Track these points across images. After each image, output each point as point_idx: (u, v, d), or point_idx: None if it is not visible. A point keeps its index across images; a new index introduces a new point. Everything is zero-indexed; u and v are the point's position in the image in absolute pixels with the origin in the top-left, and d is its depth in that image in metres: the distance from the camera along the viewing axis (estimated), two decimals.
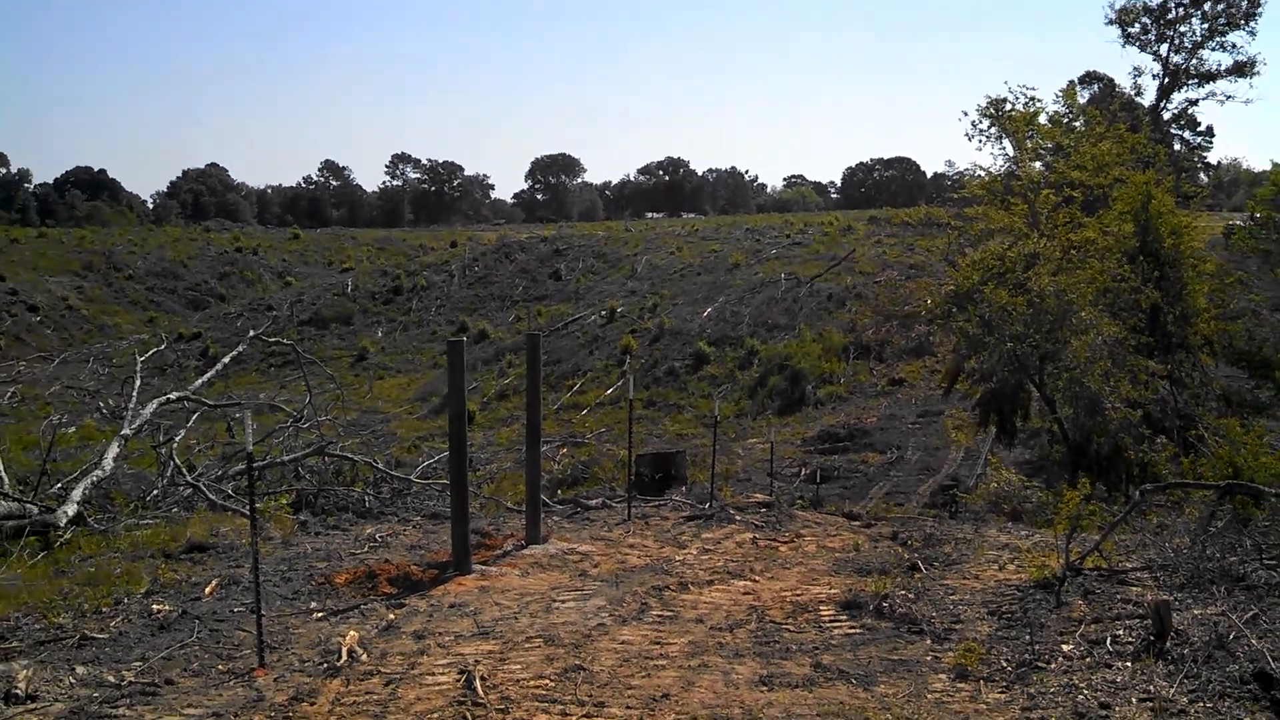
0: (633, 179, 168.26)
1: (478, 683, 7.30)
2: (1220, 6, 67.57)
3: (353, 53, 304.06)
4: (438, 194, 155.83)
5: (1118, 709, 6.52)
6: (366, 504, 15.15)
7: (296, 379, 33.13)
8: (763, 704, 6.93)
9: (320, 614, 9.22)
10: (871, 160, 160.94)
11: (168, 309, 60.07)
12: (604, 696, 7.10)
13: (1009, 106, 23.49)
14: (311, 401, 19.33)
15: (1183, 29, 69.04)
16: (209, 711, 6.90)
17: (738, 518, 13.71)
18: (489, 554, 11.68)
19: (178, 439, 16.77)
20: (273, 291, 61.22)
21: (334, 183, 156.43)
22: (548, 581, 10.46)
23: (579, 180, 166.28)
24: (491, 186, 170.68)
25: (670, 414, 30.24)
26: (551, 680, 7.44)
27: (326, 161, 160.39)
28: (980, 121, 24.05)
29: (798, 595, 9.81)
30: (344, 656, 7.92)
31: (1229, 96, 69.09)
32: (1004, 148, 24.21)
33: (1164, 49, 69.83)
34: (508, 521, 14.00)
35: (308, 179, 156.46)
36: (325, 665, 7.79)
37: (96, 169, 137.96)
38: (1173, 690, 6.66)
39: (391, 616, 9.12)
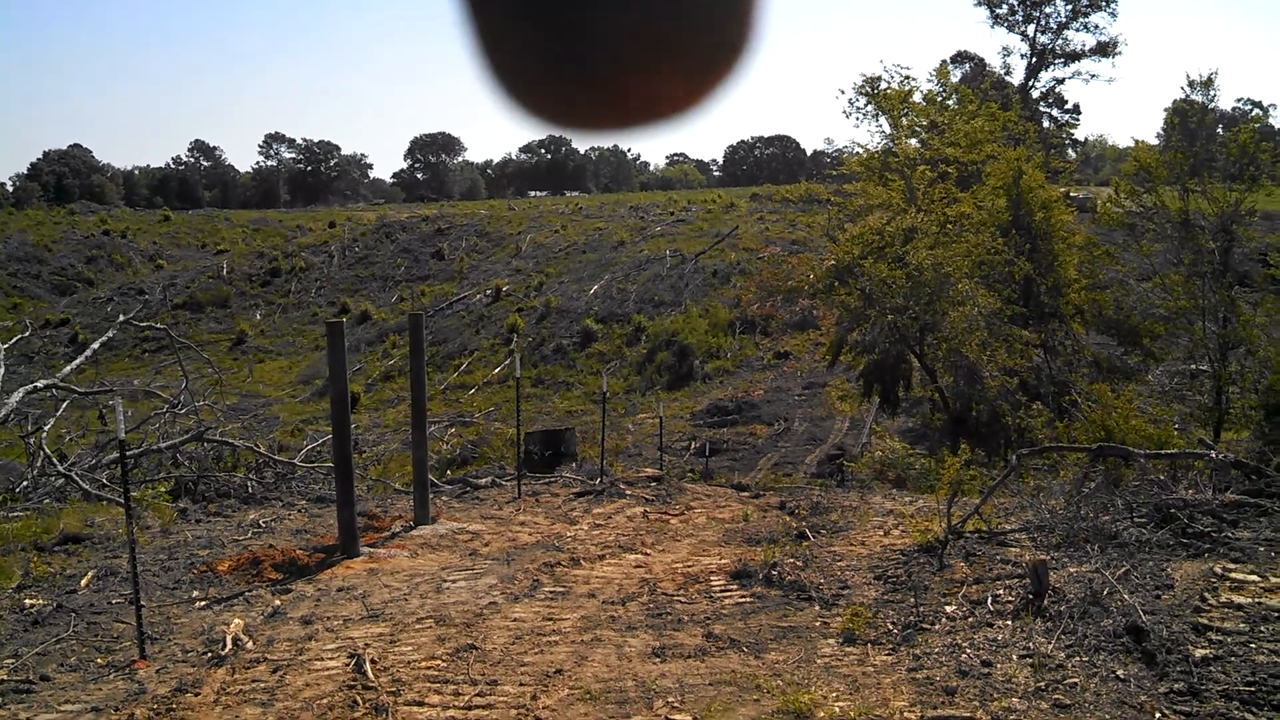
0: (514, 157, 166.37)
1: (368, 666, 7.18)
2: None
3: (221, 28, 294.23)
4: (314, 174, 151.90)
5: (999, 666, 6.72)
6: (249, 489, 14.78)
7: (172, 364, 32.06)
8: (656, 675, 6.95)
9: (203, 603, 8.97)
10: (752, 138, 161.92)
11: (32, 295, 57.45)
12: (497, 674, 7.05)
13: (884, 85, 23.94)
14: (188, 387, 18.70)
15: (1048, 10, 71.25)
16: (88, 707, 6.65)
17: (628, 492, 13.76)
18: (377, 536, 11.50)
19: (47, 428, 16.11)
20: (144, 275, 59.05)
21: (205, 163, 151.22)
22: (438, 562, 10.34)
23: (459, 159, 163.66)
24: (370, 166, 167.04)
25: (559, 391, 30.21)
26: (443, 660, 7.36)
27: (196, 141, 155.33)
28: (857, 100, 24.48)
29: (689, 567, 9.88)
30: (229, 645, 7.71)
31: (1094, 75, 71.82)
32: (880, 125, 24.70)
33: (1031, 29, 71.99)
34: (396, 503, 13.81)
35: (177, 159, 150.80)
36: (209, 654, 7.58)
37: None
38: (1051, 646, 6.89)
39: (277, 602, 8.91)
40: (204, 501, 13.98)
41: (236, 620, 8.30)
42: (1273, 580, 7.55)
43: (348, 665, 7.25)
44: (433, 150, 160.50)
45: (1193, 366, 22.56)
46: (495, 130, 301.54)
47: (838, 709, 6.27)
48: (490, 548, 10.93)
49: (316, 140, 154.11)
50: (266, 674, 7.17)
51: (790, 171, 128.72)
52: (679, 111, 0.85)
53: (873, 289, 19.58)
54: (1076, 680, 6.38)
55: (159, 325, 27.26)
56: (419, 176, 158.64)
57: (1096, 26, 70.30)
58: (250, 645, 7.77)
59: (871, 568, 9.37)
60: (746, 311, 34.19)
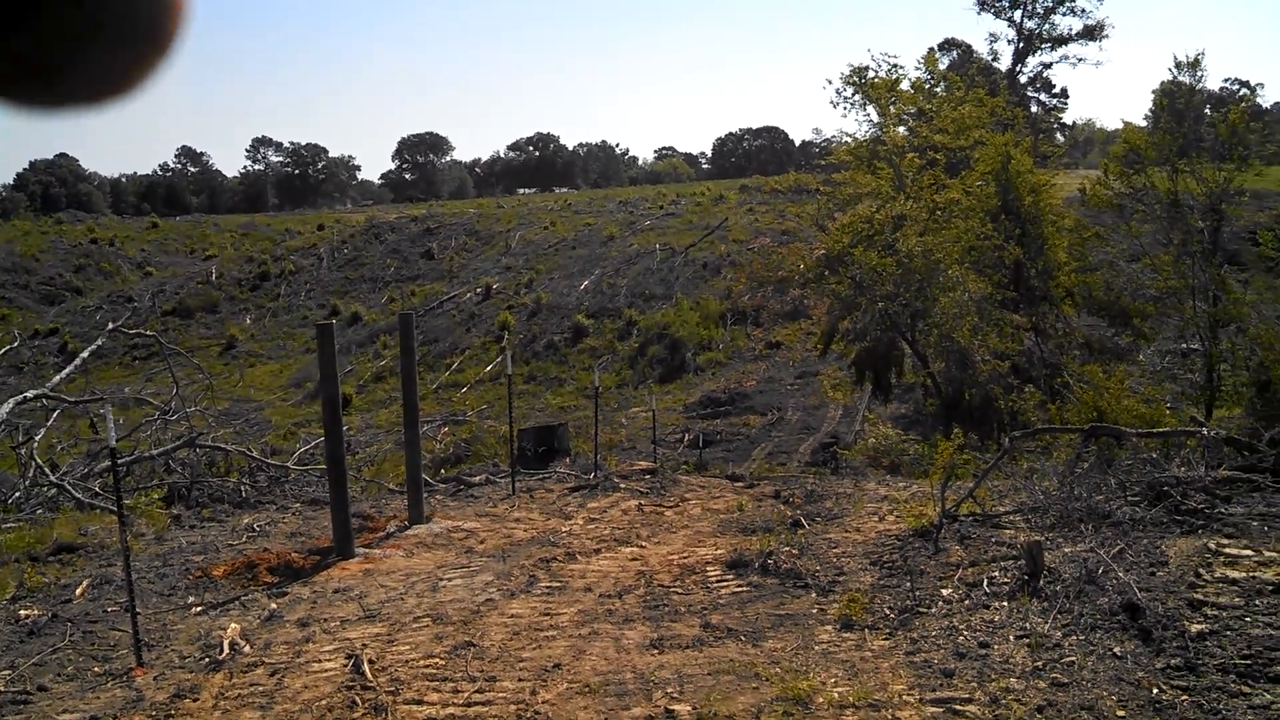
0: (503, 155, 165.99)
1: (366, 666, 7.17)
2: None
3: (206, 33, 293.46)
4: (302, 177, 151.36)
5: (996, 647, 6.73)
6: (243, 494, 14.75)
7: (162, 371, 32.00)
8: (654, 667, 6.95)
9: (199, 608, 8.94)
10: (740, 130, 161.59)
11: (20, 305, 57.18)
12: (495, 671, 7.04)
13: (871, 74, 23.91)
14: (179, 393, 18.66)
15: None
16: (86, 715, 6.63)
17: (623, 486, 13.75)
18: (372, 537, 11.49)
19: (38, 438, 16.06)
20: (133, 283, 58.85)
21: (192, 169, 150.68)
22: (433, 560, 10.33)
23: (448, 159, 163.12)
24: (358, 168, 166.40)
25: (551, 388, 30.20)
26: (441, 658, 7.35)
27: (183, 147, 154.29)
28: (844, 89, 24.43)
29: (684, 558, 9.87)
30: (226, 649, 7.69)
31: (1081, 59, 71.97)
32: (868, 114, 24.67)
33: (1017, 15, 72.03)
34: (390, 503, 13.79)
35: (164, 166, 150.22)
36: (207, 660, 7.56)
37: None
38: (1047, 625, 6.90)
39: (274, 606, 8.88)
40: (197, 507, 13.95)
41: (233, 625, 8.28)
42: (1266, 554, 7.58)
43: (346, 666, 7.24)
44: (420, 150, 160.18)
45: (1184, 345, 22.65)
46: (483, 129, 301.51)
47: (836, 695, 6.27)
48: (486, 545, 10.92)
49: (304, 143, 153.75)
50: (264, 677, 7.15)
51: (779, 162, 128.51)
52: (117, 94, 0.89)
53: (863, 277, 19.60)
54: (1074, 659, 6.39)
55: (148, 332, 27.21)
56: (407, 177, 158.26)
57: (1083, 10, 70.31)
58: (247, 649, 7.76)
59: (867, 554, 9.38)
60: (737, 303, 34.18)
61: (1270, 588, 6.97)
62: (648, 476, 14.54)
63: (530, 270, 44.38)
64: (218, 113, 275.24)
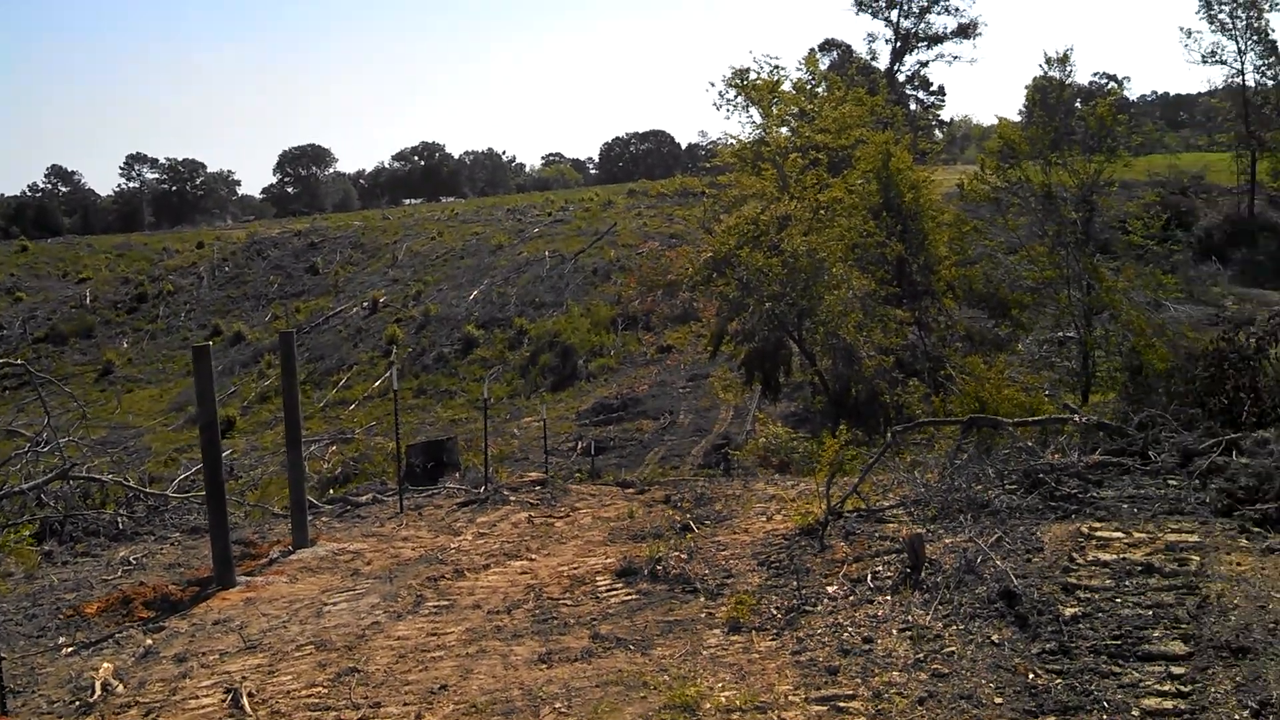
0: (387, 166, 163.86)
1: (245, 700, 6.95)
2: None
3: (75, 47, 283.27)
4: (179, 194, 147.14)
5: (880, 641, 6.80)
6: (119, 526, 14.18)
7: (34, 401, 30.82)
8: (542, 682, 6.87)
9: (70, 649, 8.57)
10: (627, 134, 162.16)
11: None
12: (380, 696, 6.88)
13: (754, 76, 24.18)
14: (51, 423, 17.90)
15: None
16: None
17: (512, 498, 13.63)
18: (254, 564, 11.16)
19: None
20: (1, 309, 56.74)
21: (63, 188, 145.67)
22: (318, 585, 10.08)
23: (331, 171, 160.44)
24: (238, 182, 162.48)
25: (442, 400, 29.91)
26: (324, 687, 7.16)
27: (53, 166, 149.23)
28: (727, 91, 24.67)
29: (574, 569, 9.81)
30: (98, 690, 7.39)
31: (956, 57, 74.09)
32: (751, 116, 24.95)
33: (894, 14, 73.79)
34: (275, 528, 13.44)
35: (33, 186, 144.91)
36: (77, 703, 7.24)
37: None
38: (929, 617, 7.00)
39: (149, 642, 8.56)
40: (71, 542, 13.39)
41: (106, 664, 7.96)
42: (1135, 535, 7.80)
43: (224, 701, 7.01)
44: (302, 163, 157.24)
45: (1060, 334, 23.35)
46: (367, 140, 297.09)
47: (724, 699, 6.26)
48: (372, 566, 10.71)
49: (180, 159, 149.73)
50: (138, 718, 6.89)
51: (666, 166, 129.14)
52: None
53: (750, 278, 19.78)
54: (954, 649, 6.49)
55: (17, 361, 26.13)
56: (290, 191, 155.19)
57: (957, 9, 72.43)
58: (121, 689, 7.46)
59: (755, 554, 9.42)
60: (628, 308, 34.28)
61: (1139, 568, 7.18)
62: (538, 488, 14.45)
63: (418, 282, 43.91)
64: (89, 130, 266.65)
